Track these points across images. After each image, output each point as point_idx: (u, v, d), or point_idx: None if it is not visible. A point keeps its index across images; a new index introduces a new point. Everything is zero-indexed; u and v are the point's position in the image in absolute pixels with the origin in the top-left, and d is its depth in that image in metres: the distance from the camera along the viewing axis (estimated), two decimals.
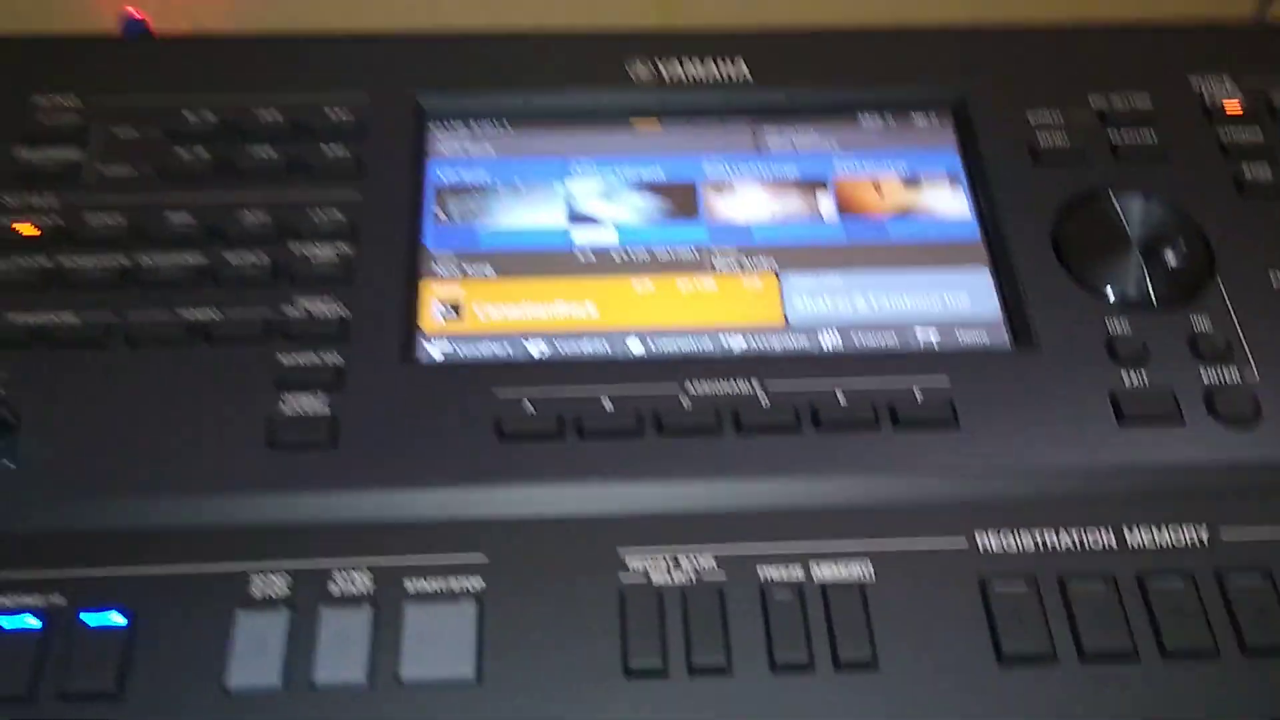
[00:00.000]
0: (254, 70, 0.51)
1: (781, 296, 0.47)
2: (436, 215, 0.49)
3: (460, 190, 0.50)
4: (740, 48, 0.53)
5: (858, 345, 0.45)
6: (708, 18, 0.56)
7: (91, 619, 0.37)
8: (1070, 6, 0.58)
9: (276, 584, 0.39)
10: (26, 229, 0.46)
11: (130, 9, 0.61)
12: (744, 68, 0.53)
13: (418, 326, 0.45)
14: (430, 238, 0.48)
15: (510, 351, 0.45)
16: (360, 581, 0.39)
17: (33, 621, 0.37)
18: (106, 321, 0.44)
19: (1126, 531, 0.41)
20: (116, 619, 0.38)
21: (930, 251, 0.48)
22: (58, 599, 0.38)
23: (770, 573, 0.39)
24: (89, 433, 0.41)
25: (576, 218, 0.49)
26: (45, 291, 0.45)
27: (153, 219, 0.47)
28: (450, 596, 0.39)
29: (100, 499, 0.40)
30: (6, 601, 0.38)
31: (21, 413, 0.41)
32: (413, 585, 0.39)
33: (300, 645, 0.37)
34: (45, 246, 0.46)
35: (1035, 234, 0.48)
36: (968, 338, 0.46)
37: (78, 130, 0.49)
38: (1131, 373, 0.44)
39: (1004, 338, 0.46)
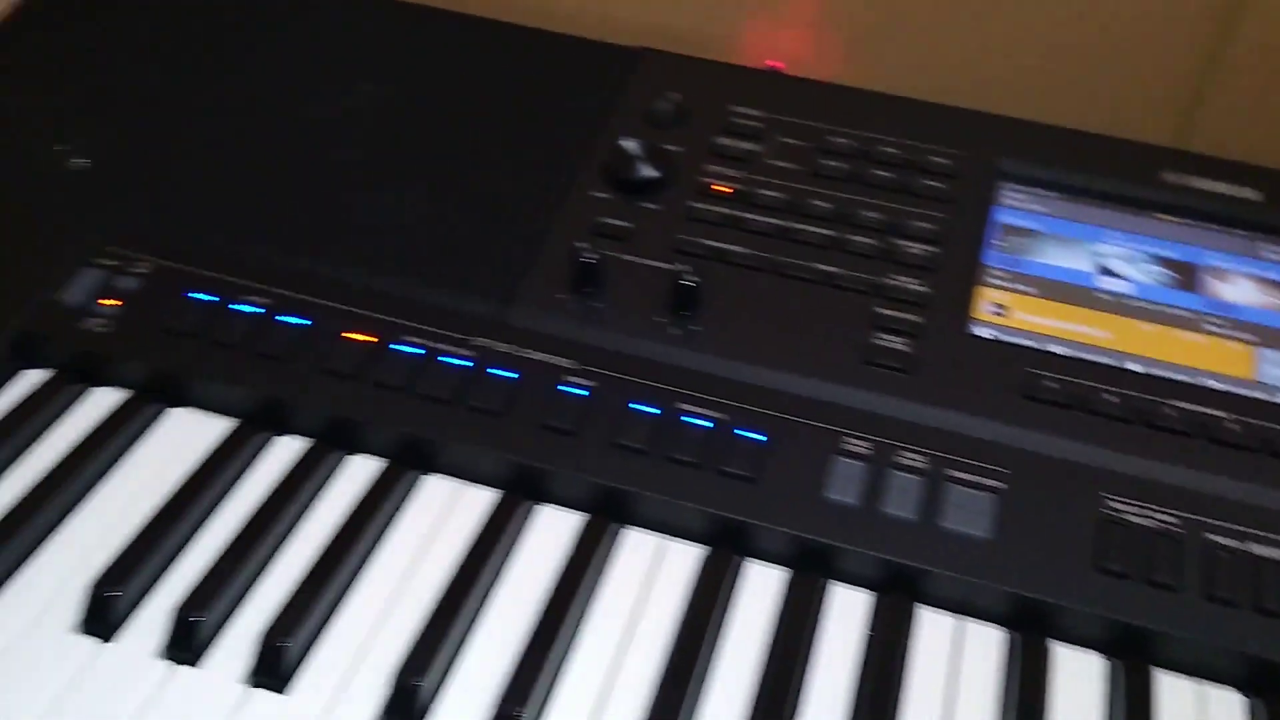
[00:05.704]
0: (872, 114, 0.72)
1: (1254, 362, 0.61)
2: (997, 244, 0.66)
3: (1017, 231, 0.67)
4: (1254, 179, 0.68)
5: None
6: (1216, 148, 0.71)
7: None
8: None
9: (861, 446, 0.57)
10: (722, 187, 0.68)
11: (771, 62, 0.83)
12: (1251, 193, 0.67)
13: (973, 314, 0.63)
14: (990, 258, 0.66)
15: (1037, 346, 0.62)
16: (917, 462, 0.57)
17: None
18: (767, 256, 0.64)
19: None
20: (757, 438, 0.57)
21: None
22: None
23: (1219, 539, 0.54)
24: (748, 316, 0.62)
25: (1103, 270, 0.65)
26: (728, 228, 0.66)
27: (804, 200, 0.67)
28: (978, 487, 0.56)
29: (756, 368, 0.60)
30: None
31: (702, 293, 0.62)
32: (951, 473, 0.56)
33: (878, 488, 0.56)
34: (732, 201, 0.67)
35: None
36: None
37: (758, 133, 0.70)
38: None
39: None
